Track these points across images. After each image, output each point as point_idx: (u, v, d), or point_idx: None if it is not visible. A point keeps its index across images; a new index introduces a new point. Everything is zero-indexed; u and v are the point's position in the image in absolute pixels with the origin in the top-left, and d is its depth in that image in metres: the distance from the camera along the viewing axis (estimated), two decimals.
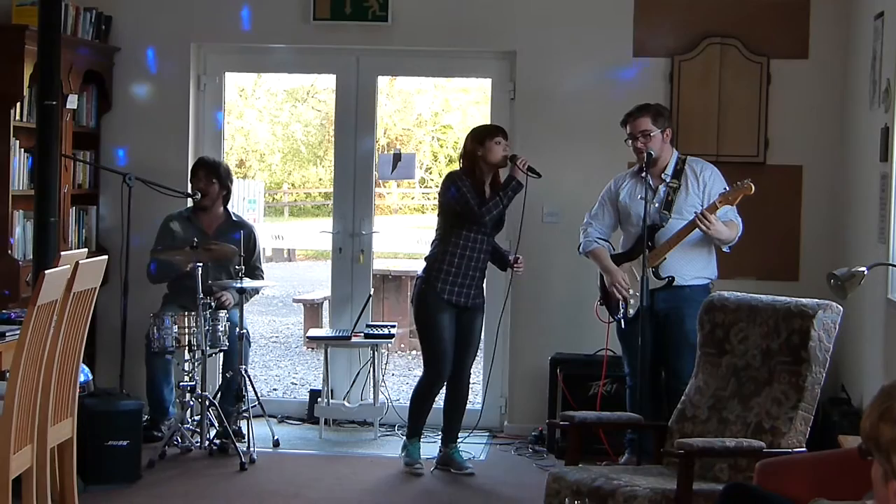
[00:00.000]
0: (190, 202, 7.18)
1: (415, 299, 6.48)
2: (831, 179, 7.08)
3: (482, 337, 6.74)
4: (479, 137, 6.36)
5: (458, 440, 6.60)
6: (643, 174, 6.08)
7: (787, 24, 7.14)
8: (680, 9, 7.21)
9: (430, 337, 6.39)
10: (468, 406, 6.62)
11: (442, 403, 6.63)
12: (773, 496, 3.68)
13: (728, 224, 6.05)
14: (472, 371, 6.65)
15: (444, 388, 6.57)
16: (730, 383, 4.88)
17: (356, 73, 7.62)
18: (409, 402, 6.65)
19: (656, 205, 6.07)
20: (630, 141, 6.16)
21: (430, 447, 6.67)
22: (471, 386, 6.68)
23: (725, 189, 6.03)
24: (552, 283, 7.27)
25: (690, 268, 6.09)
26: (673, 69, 7.15)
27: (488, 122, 7.11)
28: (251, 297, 7.22)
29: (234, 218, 7.25)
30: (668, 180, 6.13)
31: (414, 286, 6.57)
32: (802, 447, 4.55)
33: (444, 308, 6.33)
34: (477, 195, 6.27)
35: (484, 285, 6.54)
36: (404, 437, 6.60)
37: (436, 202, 7.25)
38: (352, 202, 7.65)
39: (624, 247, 6.31)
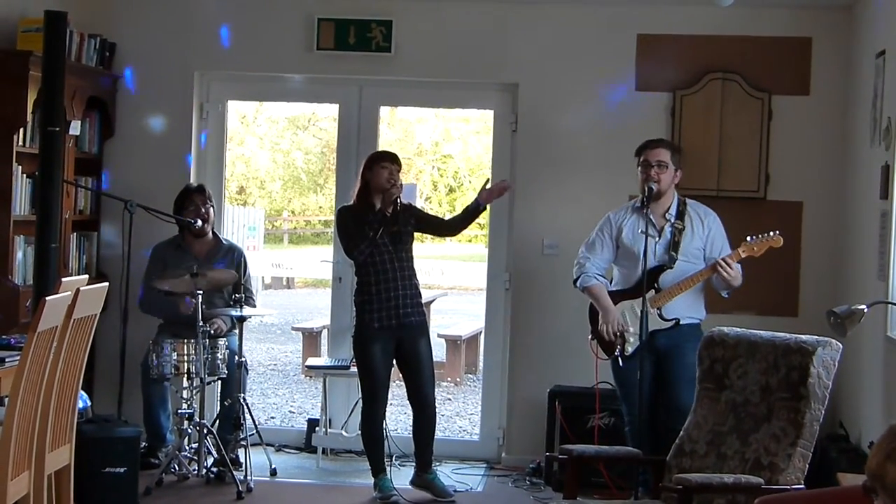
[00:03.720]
0: (177, 229, 7.14)
1: (353, 334, 6.55)
2: (831, 216, 7.09)
3: (433, 357, 6.67)
4: (369, 161, 6.49)
5: (435, 464, 6.60)
6: (645, 210, 5.96)
7: (788, 60, 7.17)
8: (682, 44, 7.23)
9: (364, 367, 6.44)
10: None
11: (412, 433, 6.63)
12: None
13: None
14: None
15: (412, 416, 6.60)
16: (728, 419, 4.87)
17: (358, 102, 7.64)
18: (362, 443, 6.57)
19: (661, 245, 6.03)
20: (642, 169, 6.05)
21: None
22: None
23: (724, 238, 6.04)
24: (551, 314, 7.27)
25: (691, 308, 6.06)
26: (675, 104, 7.17)
27: (492, 153, 7.10)
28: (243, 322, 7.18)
29: (224, 242, 7.24)
30: (672, 220, 6.06)
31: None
32: (801, 484, 4.54)
33: (376, 337, 6.37)
34: (362, 225, 6.35)
35: (421, 303, 6.55)
36: (371, 477, 6.50)
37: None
38: None
39: (619, 283, 6.19)
